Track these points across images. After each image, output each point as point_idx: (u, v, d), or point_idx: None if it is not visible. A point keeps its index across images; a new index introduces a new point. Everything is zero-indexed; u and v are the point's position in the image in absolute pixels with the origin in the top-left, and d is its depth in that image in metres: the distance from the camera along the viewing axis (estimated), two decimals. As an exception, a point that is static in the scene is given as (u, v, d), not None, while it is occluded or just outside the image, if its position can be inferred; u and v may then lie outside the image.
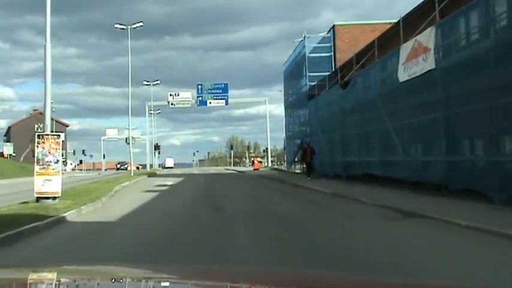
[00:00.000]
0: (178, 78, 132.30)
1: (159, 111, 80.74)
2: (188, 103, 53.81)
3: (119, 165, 73.92)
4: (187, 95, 53.88)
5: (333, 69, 29.20)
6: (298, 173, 35.66)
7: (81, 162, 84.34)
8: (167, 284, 2.07)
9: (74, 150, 69.95)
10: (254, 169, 47.37)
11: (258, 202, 15.07)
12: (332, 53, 30.78)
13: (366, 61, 21.48)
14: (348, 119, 23.00)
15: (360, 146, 21.54)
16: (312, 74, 30.55)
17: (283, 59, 39.40)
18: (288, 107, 38.38)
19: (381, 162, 18.40)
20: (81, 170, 73.49)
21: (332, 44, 30.97)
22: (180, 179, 32.67)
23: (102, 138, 79.15)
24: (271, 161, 58.58)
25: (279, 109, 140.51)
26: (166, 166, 72.23)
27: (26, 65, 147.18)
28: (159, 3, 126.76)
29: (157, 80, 57.90)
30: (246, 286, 1.99)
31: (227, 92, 54.09)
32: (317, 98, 28.65)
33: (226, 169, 57.52)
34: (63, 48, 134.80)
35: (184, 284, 2.06)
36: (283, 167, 51.27)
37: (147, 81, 57.75)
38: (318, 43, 31.54)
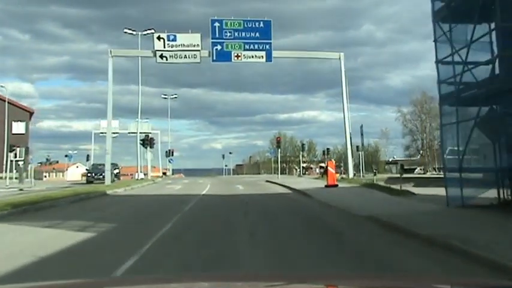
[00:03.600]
0: (220, 81, 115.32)
1: (176, 95, 60.61)
2: (195, 56, 28.34)
3: (90, 174, 37.95)
4: (192, 40, 28.34)
5: None
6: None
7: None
8: None
9: (26, 148, 39.78)
10: (328, 185, 21.86)
11: None
12: None
13: None
14: None
15: None
16: None
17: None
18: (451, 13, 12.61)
19: None
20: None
21: None
22: (84, 236, 7.93)
23: (94, 132, 55.15)
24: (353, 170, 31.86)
25: (323, 115, 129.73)
26: (137, 178, 42.55)
27: (49, 60, 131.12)
28: (201, 4, 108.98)
29: (150, 29, 33.29)
30: None
31: (270, 38, 28.75)
32: None
33: (268, 181, 32.19)
34: (93, 43, 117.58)
35: None
36: (364, 178, 25.63)
37: (133, 30, 33.63)
38: None
